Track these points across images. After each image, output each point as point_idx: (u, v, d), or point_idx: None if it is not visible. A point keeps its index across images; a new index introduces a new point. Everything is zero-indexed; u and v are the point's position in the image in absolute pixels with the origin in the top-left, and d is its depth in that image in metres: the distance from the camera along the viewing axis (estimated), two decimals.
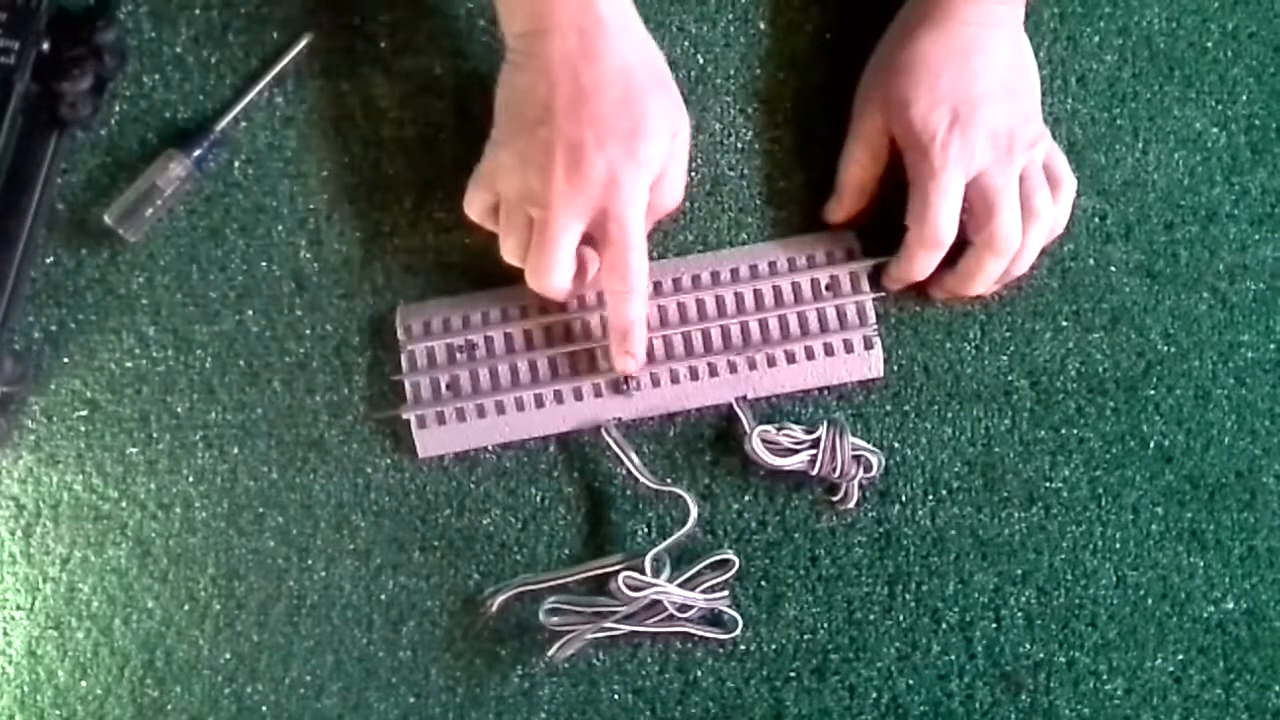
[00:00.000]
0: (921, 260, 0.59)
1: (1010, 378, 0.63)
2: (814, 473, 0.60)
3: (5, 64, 0.59)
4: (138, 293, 0.63)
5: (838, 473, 0.60)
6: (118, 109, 0.63)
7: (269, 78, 0.63)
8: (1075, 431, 0.62)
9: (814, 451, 0.60)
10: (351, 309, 0.63)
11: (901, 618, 0.61)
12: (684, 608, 0.59)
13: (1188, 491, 0.62)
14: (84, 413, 0.62)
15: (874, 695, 0.61)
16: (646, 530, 0.61)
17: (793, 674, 0.61)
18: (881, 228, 0.62)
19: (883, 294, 0.62)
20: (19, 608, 0.61)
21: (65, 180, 0.63)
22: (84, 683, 0.61)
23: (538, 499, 0.62)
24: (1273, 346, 0.64)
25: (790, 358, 0.62)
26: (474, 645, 0.61)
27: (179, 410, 0.62)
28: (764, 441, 0.59)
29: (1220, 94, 0.65)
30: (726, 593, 0.60)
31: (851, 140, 0.61)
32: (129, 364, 0.62)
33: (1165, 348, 0.63)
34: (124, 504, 0.62)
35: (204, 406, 0.62)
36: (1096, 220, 0.64)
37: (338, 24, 0.64)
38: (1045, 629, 0.61)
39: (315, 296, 0.63)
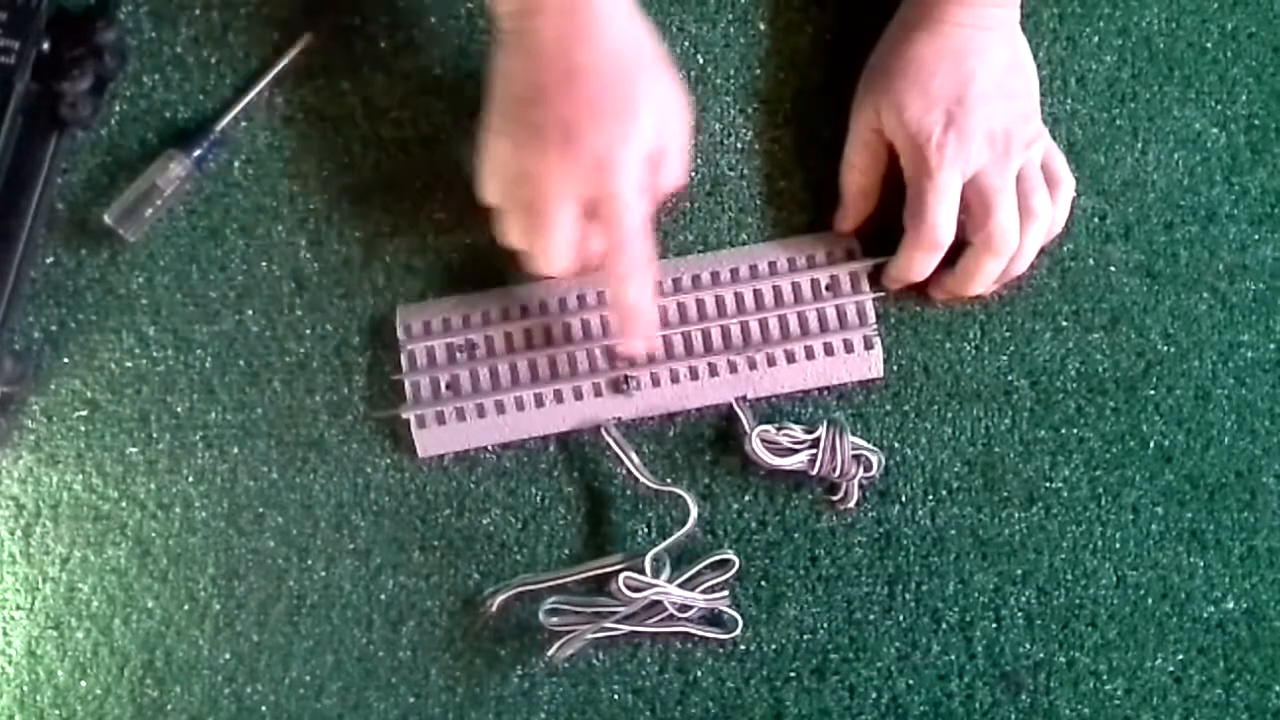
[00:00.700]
0: (920, 261, 0.59)
1: (1010, 378, 0.63)
2: (814, 473, 0.60)
3: (5, 64, 0.59)
4: (138, 293, 0.63)
5: (838, 472, 0.60)
6: (118, 109, 0.63)
7: (269, 78, 0.63)
8: (1075, 431, 0.62)
9: (814, 451, 0.60)
10: (351, 309, 0.63)
11: (901, 618, 0.61)
12: (684, 608, 0.59)
13: (1188, 491, 0.62)
14: (84, 413, 0.62)
15: (874, 695, 0.61)
16: (646, 530, 0.61)
17: (793, 674, 0.61)
18: (881, 228, 0.62)
19: (883, 294, 0.62)
20: (19, 608, 0.61)
21: (65, 180, 0.63)
22: (84, 683, 0.61)
23: (538, 499, 0.62)
24: (1273, 346, 0.64)
25: (790, 358, 0.62)
26: (474, 645, 0.61)
27: (179, 410, 0.62)
28: (764, 441, 0.59)
29: (1220, 94, 0.65)
30: (726, 593, 0.60)
31: (850, 146, 0.62)
32: (129, 364, 0.62)
33: (1165, 348, 0.63)
34: (124, 504, 0.62)
35: (204, 406, 0.62)
36: (1096, 220, 0.64)
37: (338, 24, 0.64)
38: (1045, 629, 0.61)
39: (315, 296, 0.63)
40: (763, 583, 0.61)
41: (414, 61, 0.64)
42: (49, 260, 0.63)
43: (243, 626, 0.61)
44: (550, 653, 0.58)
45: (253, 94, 0.63)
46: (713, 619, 0.60)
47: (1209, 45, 0.66)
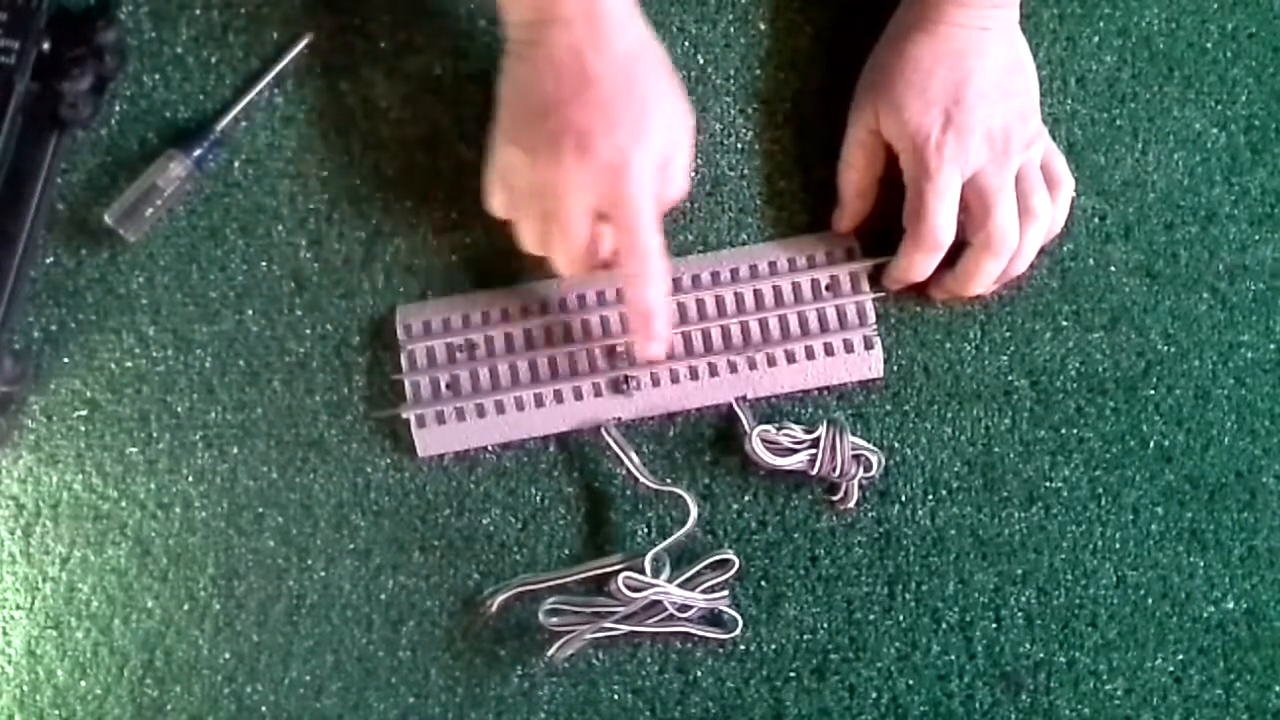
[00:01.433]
0: (920, 262, 0.59)
1: (1010, 378, 0.63)
2: (814, 473, 0.60)
3: (6, 64, 0.59)
4: (138, 293, 0.63)
5: (838, 472, 0.60)
6: (118, 109, 0.63)
7: (269, 78, 0.63)
8: (1075, 431, 0.62)
9: (814, 451, 0.60)
10: (351, 309, 0.63)
11: (901, 618, 0.61)
12: (684, 608, 0.59)
13: (1188, 491, 0.62)
14: (84, 413, 0.62)
15: (874, 695, 0.61)
16: (646, 530, 0.61)
17: (793, 674, 0.61)
18: (881, 228, 0.62)
19: (883, 294, 0.62)
20: (19, 607, 0.61)
21: (65, 180, 0.63)
22: (83, 682, 0.61)
23: (538, 499, 0.62)
24: (1273, 346, 0.64)
25: (790, 358, 0.62)
26: (474, 645, 0.61)
27: (179, 410, 0.62)
28: (764, 441, 0.59)
29: (1220, 94, 0.65)
30: (726, 593, 0.60)
31: (847, 146, 0.62)
32: (129, 364, 0.62)
33: (1165, 348, 0.63)
34: (124, 504, 0.62)
35: (204, 406, 0.62)
36: (1096, 220, 0.64)
37: (338, 24, 0.64)
38: (1045, 629, 0.61)
39: (315, 296, 0.63)
40: (763, 583, 0.61)
41: (414, 61, 0.64)
42: (49, 260, 0.63)
43: (243, 626, 0.61)
44: (550, 653, 0.58)
45: (253, 94, 0.63)
46: (713, 619, 0.60)
47: (1209, 45, 0.66)
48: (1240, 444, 0.63)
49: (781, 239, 0.63)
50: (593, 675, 0.60)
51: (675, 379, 0.62)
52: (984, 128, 0.57)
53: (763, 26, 0.65)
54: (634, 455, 0.60)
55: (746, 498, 0.62)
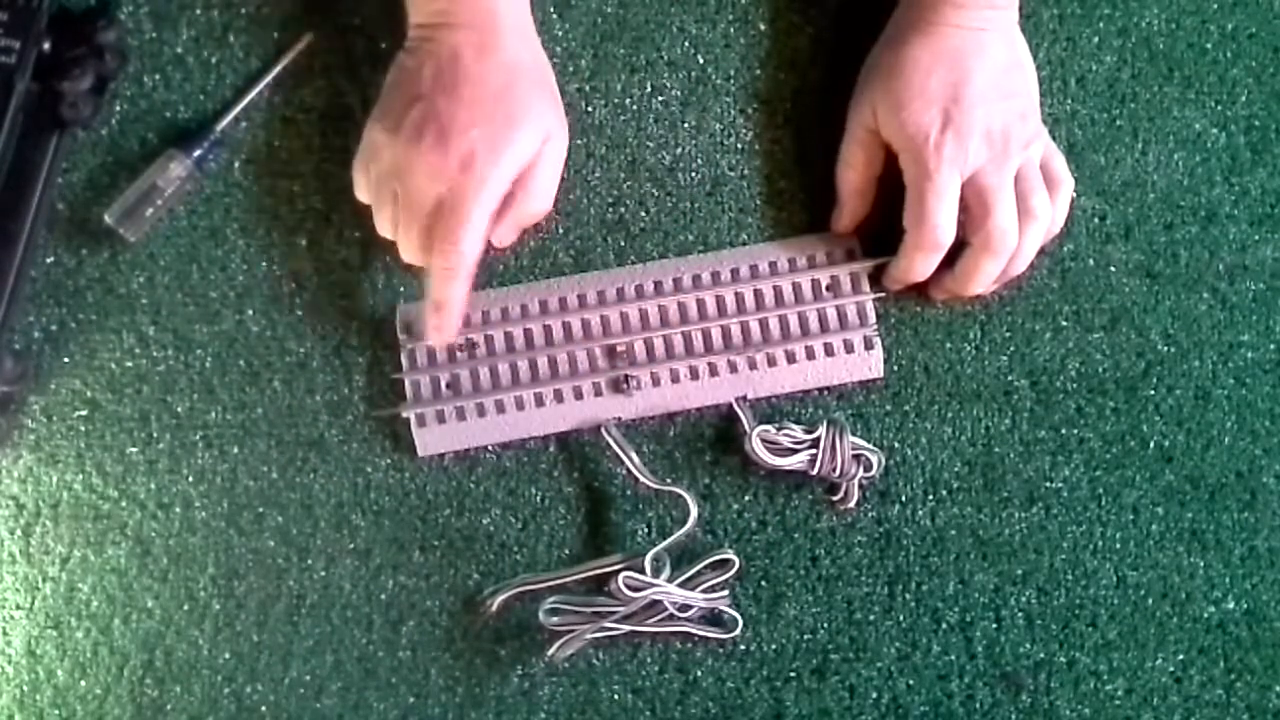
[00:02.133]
0: (920, 262, 0.59)
1: (1010, 378, 0.63)
2: (814, 473, 0.60)
3: (6, 64, 0.59)
4: (138, 293, 0.63)
5: (838, 472, 0.60)
6: (118, 109, 0.63)
7: (269, 78, 0.63)
8: (1075, 431, 0.62)
9: (814, 451, 0.60)
10: (351, 309, 0.63)
11: (901, 618, 0.61)
12: (684, 607, 0.59)
13: (1188, 491, 0.62)
14: (84, 413, 0.62)
15: (874, 695, 0.61)
16: (646, 530, 0.61)
17: (793, 674, 0.61)
18: (881, 228, 0.62)
19: (883, 294, 0.62)
20: (19, 607, 0.61)
21: (65, 180, 0.63)
22: (83, 682, 0.61)
23: (538, 499, 0.62)
24: (1273, 346, 0.64)
25: (790, 358, 0.62)
26: (474, 645, 0.61)
27: (179, 410, 0.62)
28: (764, 441, 0.59)
29: (1220, 94, 0.65)
30: (726, 593, 0.60)
31: (846, 145, 0.62)
32: (129, 364, 0.62)
33: (1165, 348, 0.63)
34: (124, 504, 0.62)
35: (204, 406, 0.62)
36: (1096, 220, 0.64)
37: (338, 24, 0.64)
38: (1045, 629, 0.61)
39: (315, 296, 0.63)
40: (763, 583, 0.61)
41: None
42: (49, 260, 0.63)
43: (243, 626, 0.61)
44: (550, 653, 0.58)
45: (253, 94, 0.63)
46: (713, 619, 0.60)
47: (1209, 45, 0.66)
48: (1240, 444, 0.63)
49: (781, 239, 0.64)
50: (593, 675, 0.60)
51: (675, 379, 0.62)
52: (983, 127, 0.57)
53: (763, 26, 0.65)
54: (634, 455, 0.60)
55: (746, 498, 0.62)
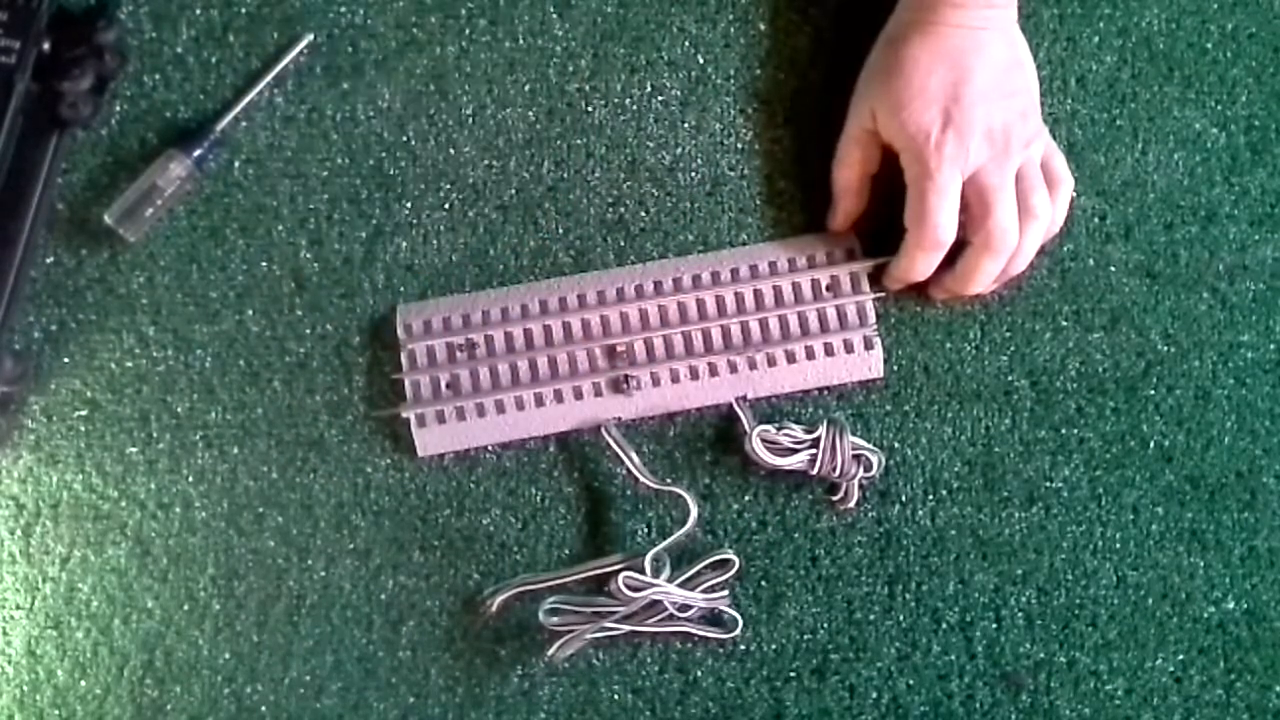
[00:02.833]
0: (922, 261, 0.59)
1: (1010, 378, 0.63)
2: (814, 473, 0.60)
3: (6, 64, 0.59)
4: (138, 293, 0.63)
5: (838, 472, 0.60)
6: (118, 109, 0.63)
7: (269, 78, 0.63)
8: (1075, 431, 0.62)
9: (814, 451, 0.60)
10: (351, 309, 0.63)
11: (901, 618, 0.61)
12: (684, 608, 0.59)
13: (1188, 491, 0.62)
14: (84, 413, 0.62)
15: (874, 695, 0.61)
16: (646, 530, 0.61)
17: (793, 674, 0.61)
18: (881, 227, 0.62)
19: (883, 294, 0.62)
20: (19, 607, 0.61)
21: (65, 180, 0.63)
22: (83, 682, 0.61)
23: (538, 499, 0.62)
24: (1273, 346, 0.64)
25: (790, 358, 0.62)
26: (474, 645, 0.61)
27: (179, 410, 0.62)
28: (764, 441, 0.59)
29: (1220, 94, 0.65)
30: (726, 593, 0.60)
31: (842, 143, 0.62)
32: (129, 364, 0.62)
33: (1165, 348, 0.63)
34: (124, 504, 0.62)
35: (204, 406, 0.62)
36: (1096, 220, 0.64)
37: (338, 24, 0.64)
38: (1045, 629, 0.61)
39: (315, 296, 0.63)
40: (763, 583, 0.61)
41: (414, 61, 0.64)
42: (49, 260, 0.63)
43: (243, 626, 0.61)
44: (550, 653, 0.58)
45: (253, 94, 0.63)
46: (713, 619, 0.60)
47: (1209, 45, 0.66)
48: (1240, 444, 0.63)
49: (781, 239, 0.63)
50: (593, 675, 0.60)
51: (675, 379, 0.62)
52: (984, 126, 0.57)
53: (763, 26, 0.65)
54: (634, 455, 0.60)
55: (746, 498, 0.62)
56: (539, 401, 0.61)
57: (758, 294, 0.62)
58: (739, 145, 0.64)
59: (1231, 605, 0.62)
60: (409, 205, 0.63)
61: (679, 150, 0.64)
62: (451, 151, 0.63)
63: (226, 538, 0.61)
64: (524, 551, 0.61)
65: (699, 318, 0.62)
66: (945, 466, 0.62)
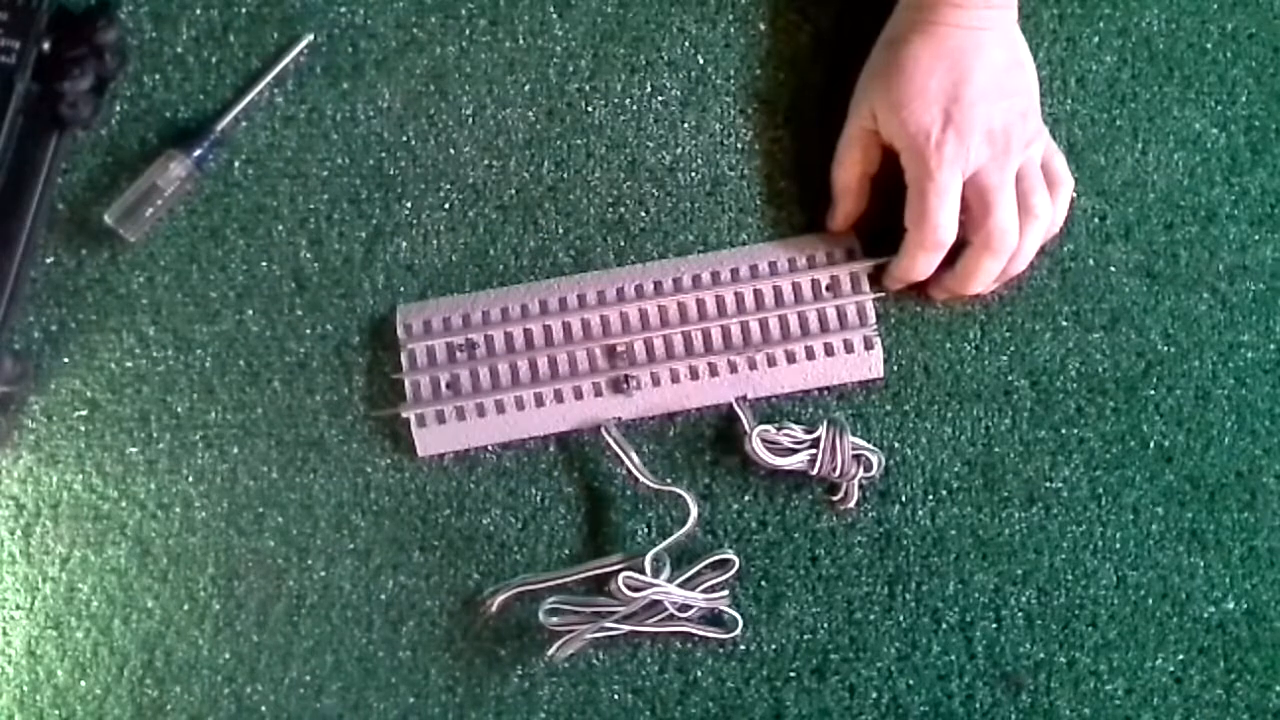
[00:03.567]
0: (922, 261, 0.59)
1: (1010, 378, 0.63)
2: (814, 473, 0.60)
3: (6, 64, 0.59)
4: (138, 293, 0.63)
5: (838, 472, 0.60)
6: (118, 109, 0.63)
7: (269, 78, 0.63)
8: (1075, 431, 0.62)
9: (814, 451, 0.60)
10: (351, 309, 0.63)
11: (901, 618, 0.61)
12: (684, 607, 0.59)
13: (1188, 491, 0.62)
14: (84, 413, 0.62)
15: (874, 695, 0.61)
16: (646, 530, 0.61)
17: (793, 674, 0.61)
18: (881, 228, 0.62)
19: (883, 294, 0.62)
20: (19, 607, 0.61)
21: (65, 180, 0.63)
22: (83, 682, 0.61)
23: (538, 499, 0.62)
24: (1273, 346, 0.64)
25: (790, 358, 0.62)
26: (474, 645, 0.61)
27: (179, 410, 0.62)
28: (764, 441, 0.59)
29: (1220, 94, 0.65)
30: (726, 593, 0.60)
31: (842, 143, 0.62)
32: (129, 364, 0.62)
33: (1165, 348, 0.63)
34: (124, 504, 0.62)
35: (204, 406, 0.62)
36: (1096, 220, 0.64)
37: (338, 24, 0.64)
38: (1045, 629, 0.61)
39: (315, 296, 0.63)
40: (763, 583, 0.61)
41: (414, 61, 0.64)
42: (49, 260, 0.63)
43: (243, 626, 0.61)
44: (550, 653, 0.58)
45: (253, 94, 0.63)
46: (713, 619, 0.60)
47: (1209, 45, 0.66)
48: (1240, 444, 0.63)
49: (781, 239, 0.63)
50: (593, 675, 0.60)
51: (675, 379, 0.62)
52: (984, 126, 0.57)
53: (763, 26, 0.65)
54: (634, 455, 0.60)
55: (746, 498, 0.62)
56: (539, 401, 0.61)
57: (758, 294, 0.62)
58: (739, 145, 0.64)
59: (1231, 605, 0.62)
60: (409, 205, 0.63)
61: (679, 150, 0.64)
62: (451, 151, 0.63)
63: (226, 538, 0.61)
64: (524, 551, 0.61)
65: (699, 318, 0.62)
66: (945, 466, 0.62)
